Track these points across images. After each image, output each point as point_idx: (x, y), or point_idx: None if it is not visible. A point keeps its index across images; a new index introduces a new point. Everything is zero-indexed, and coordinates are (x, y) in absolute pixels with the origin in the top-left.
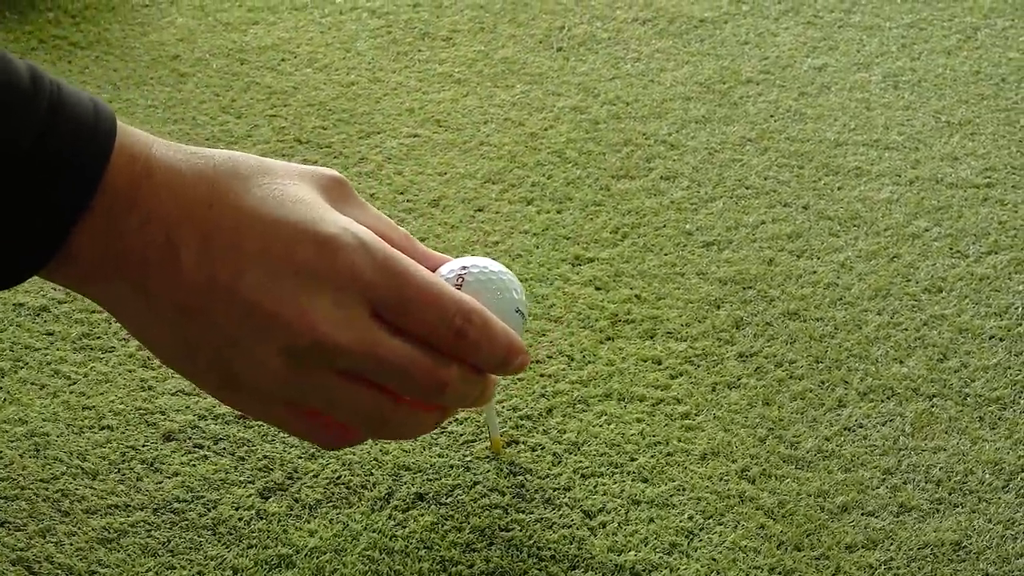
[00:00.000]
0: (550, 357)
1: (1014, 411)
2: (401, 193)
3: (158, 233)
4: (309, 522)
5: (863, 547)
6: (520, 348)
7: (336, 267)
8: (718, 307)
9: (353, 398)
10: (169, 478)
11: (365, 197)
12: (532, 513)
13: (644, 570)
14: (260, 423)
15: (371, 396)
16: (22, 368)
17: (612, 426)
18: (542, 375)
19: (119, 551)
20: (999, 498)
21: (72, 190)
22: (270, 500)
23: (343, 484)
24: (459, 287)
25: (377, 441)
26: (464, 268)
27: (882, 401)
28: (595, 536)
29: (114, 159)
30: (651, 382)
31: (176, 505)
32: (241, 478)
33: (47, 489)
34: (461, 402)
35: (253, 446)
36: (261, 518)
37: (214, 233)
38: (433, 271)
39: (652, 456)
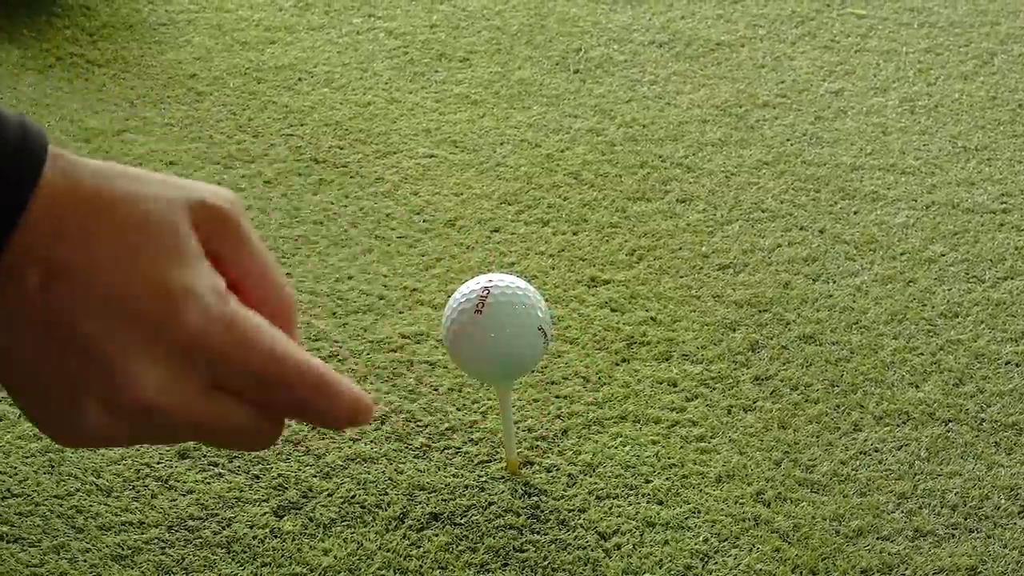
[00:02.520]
0: (565, 378)
1: None
2: (417, 213)
3: (3, 263)
4: (323, 541)
5: (878, 571)
6: (364, 407)
7: (178, 329)
8: (734, 330)
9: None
10: (184, 495)
11: (381, 217)
12: (547, 534)
13: None
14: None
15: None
16: None
17: (627, 448)
18: (557, 396)
19: (133, 568)
20: (1015, 523)
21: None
22: (284, 518)
23: (358, 503)
24: (482, 303)
25: (392, 460)
26: (490, 282)
27: (898, 425)
28: (610, 558)
29: (45, 180)
30: (666, 404)
31: (190, 523)
32: (256, 496)
33: (61, 505)
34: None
35: (268, 464)
36: (275, 536)
37: (57, 269)
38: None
39: (667, 478)
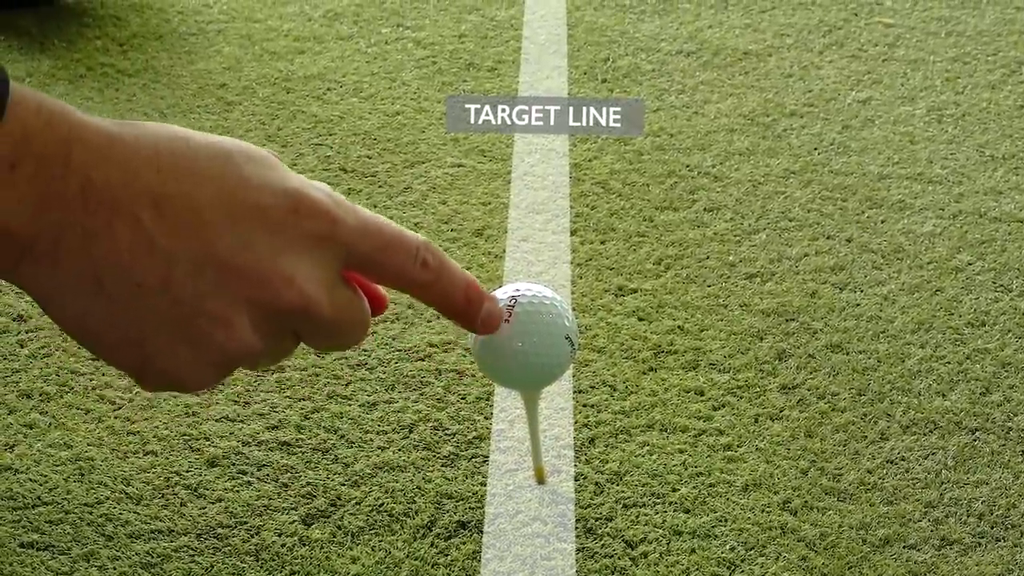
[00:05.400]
0: (593, 387)
1: None
2: (445, 223)
3: (101, 202)
4: (351, 549)
5: None
6: (480, 290)
7: (314, 224)
8: (761, 339)
9: (287, 354)
10: (213, 503)
11: (409, 226)
12: (574, 543)
13: None
14: (303, 449)
15: (293, 347)
16: (68, 393)
17: (654, 456)
18: (585, 405)
19: None
20: None
21: None
22: (313, 527)
23: (385, 511)
24: (509, 312)
25: (420, 468)
26: (517, 291)
27: (924, 434)
28: (636, 566)
29: (17, 105)
30: (693, 413)
31: (219, 531)
32: (284, 504)
33: (91, 513)
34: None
35: (297, 473)
36: (304, 544)
37: (166, 200)
38: None
39: (694, 487)
